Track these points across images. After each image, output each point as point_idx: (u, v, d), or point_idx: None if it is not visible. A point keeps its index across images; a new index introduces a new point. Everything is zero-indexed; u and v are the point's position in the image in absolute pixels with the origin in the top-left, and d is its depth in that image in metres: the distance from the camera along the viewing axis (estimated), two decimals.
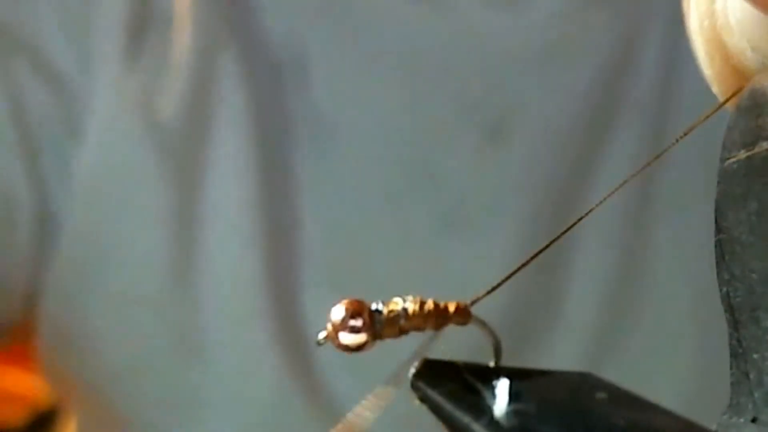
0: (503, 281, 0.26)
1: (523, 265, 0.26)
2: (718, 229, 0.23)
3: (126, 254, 0.62)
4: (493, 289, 0.26)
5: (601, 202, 0.26)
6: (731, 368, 0.24)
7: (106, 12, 0.62)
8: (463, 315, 0.25)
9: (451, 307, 0.25)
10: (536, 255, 0.26)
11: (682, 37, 0.65)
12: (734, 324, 0.23)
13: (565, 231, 0.26)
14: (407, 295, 0.26)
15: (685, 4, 0.25)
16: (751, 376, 0.23)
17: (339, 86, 0.64)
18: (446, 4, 0.64)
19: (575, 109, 0.64)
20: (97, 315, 0.63)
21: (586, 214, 0.27)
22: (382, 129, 0.64)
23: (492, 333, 0.26)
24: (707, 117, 0.24)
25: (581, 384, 0.25)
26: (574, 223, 0.26)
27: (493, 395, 0.24)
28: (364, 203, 0.63)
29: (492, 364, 0.25)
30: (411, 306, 0.25)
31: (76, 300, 0.63)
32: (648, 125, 0.64)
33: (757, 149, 0.23)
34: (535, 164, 0.64)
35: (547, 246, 0.26)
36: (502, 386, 0.24)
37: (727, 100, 0.24)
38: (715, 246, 0.24)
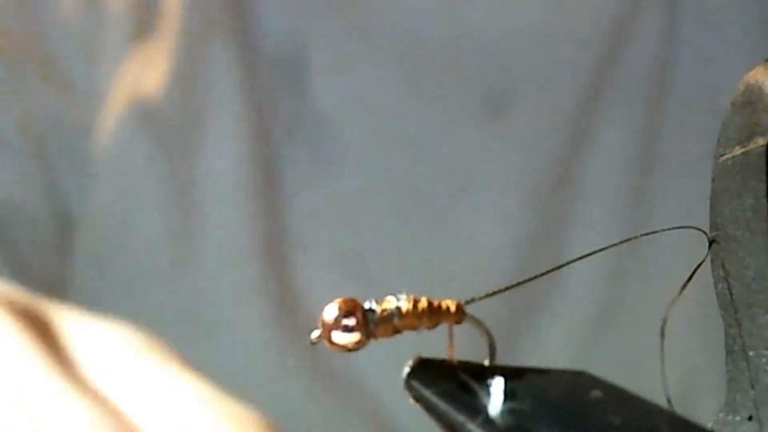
0: (502, 290, 0.26)
1: (525, 281, 0.26)
2: (714, 226, 0.23)
3: (132, 242, 0.63)
4: (492, 294, 0.26)
5: (589, 254, 0.26)
6: (727, 366, 0.23)
7: (110, 11, 0.63)
8: (457, 314, 0.25)
9: (445, 306, 0.25)
10: (540, 276, 0.26)
11: (679, 14, 0.66)
12: (730, 321, 0.23)
13: (568, 263, 0.26)
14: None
15: None
16: (747, 373, 0.23)
17: (337, 82, 0.64)
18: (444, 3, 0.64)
19: (575, 85, 0.64)
20: (110, 301, 0.64)
21: (579, 258, 0.27)
22: (380, 122, 0.64)
23: (487, 331, 0.26)
24: None
25: (576, 382, 0.25)
26: (574, 260, 0.26)
27: (488, 394, 0.24)
28: (363, 199, 0.64)
29: (487, 362, 0.25)
30: (404, 305, 0.25)
31: (93, 289, 0.64)
32: (646, 100, 0.65)
33: (752, 145, 0.22)
34: (536, 141, 0.64)
35: (551, 271, 0.26)
36: (497, 385, 0.24)
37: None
38: (711, 243, 0.23)
